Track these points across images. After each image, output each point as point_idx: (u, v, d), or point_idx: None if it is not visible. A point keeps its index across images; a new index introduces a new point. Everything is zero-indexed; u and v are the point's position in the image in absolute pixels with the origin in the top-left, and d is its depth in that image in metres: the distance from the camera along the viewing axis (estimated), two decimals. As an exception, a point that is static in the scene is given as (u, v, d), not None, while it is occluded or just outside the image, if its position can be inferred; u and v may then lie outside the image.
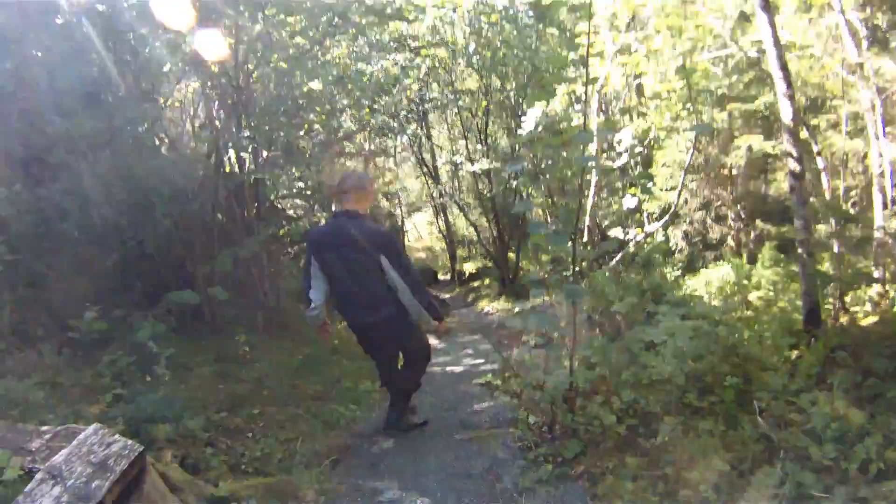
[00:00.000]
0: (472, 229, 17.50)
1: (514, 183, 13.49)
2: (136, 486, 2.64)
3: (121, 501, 2.53)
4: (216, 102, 7.06)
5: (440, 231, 21.25)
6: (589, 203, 8.25)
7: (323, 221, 8.01)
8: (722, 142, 9.30)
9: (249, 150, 7.39)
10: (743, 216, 9.42)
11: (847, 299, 5.55)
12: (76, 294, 4.95)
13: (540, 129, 7.26)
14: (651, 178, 8.86)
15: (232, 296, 6.06)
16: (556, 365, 4.31)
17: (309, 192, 8.88)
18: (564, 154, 7.30)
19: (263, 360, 5.70)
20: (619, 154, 7.91)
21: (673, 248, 9.78)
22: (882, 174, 5.95)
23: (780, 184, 8.77)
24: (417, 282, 3.98)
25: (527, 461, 3.59)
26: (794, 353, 4.32)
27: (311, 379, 5.62)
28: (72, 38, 5.32)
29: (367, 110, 10.99)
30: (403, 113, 14.06)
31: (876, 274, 5.35)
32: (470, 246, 21.98)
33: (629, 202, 7.65)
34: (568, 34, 11.59)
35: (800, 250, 4.70)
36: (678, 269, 8.58)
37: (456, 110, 14.81)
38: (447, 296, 16.86)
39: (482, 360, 6.86)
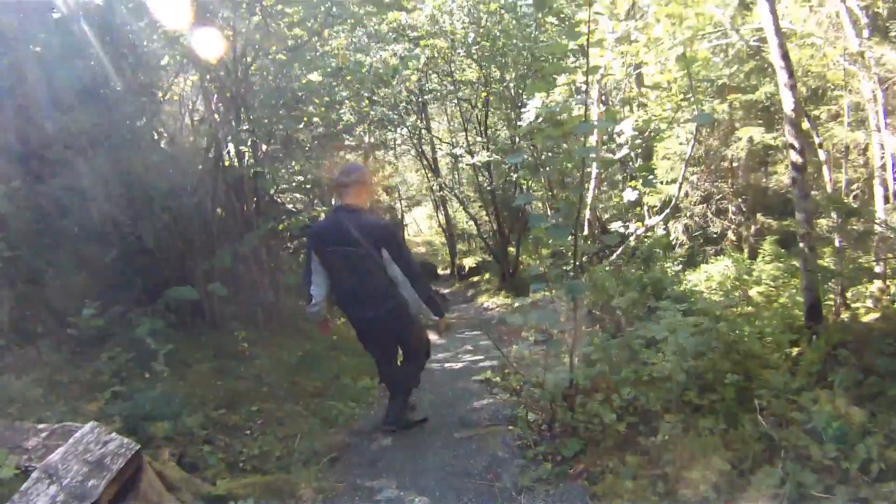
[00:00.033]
0: (471, 223, 17.47)
1: (515, 175, 13.45)
2: (132, 484, 2.63)
3: (117, 500, 2.52)
4: (215, 96, 7.00)
5: (440, 225, 21.24)
6: (589, 196, 8.22)
7: (323, 216, 8.00)
8: (722, 133, 9.26)
9: (248, 143, 7.36)
10: (744, 209, 9.38)
11: (848, 295, 5.53)
12: (75, 290, 4.92)
13: (540, 120, 7.22)
14: (652, 170, 8.83)
15: (231, 291, 6.03)
16: (556, 362, 4.29)
17: (308, 186, 8.84)
18: (565, 146, 7.27)
19: (262, 356, 5.68)
20: (620, 146, 7.88)
21: (673, 243, 9.75)
22: (883, 167, 5.90)
23: (781, 176, 8.74)
24: (419, 275, 3.96)
25: (526, 460, 3.57)
26: (795, 350, 4.30)
27: (310, 375, 5.60)
28: (69, 34, 5.27)
29: (367, 102, 10.94)
30: (403, 104, 14.01)
31: (877, 269, 5.31)
32: (470, 240, 21.98)
33: (630, 195, 7.62)
34: (567, 24, 11.53)
35: (801, 245, 4.66)
36: (678, 264, 8.55)
37: (455, 101, 14.74)
38: (447, 291, 16.85)
39: (481, 357, 6.84)
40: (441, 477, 3.49)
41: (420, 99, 14.85)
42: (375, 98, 11.72)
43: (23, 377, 3.96)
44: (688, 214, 9.83)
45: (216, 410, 4.28)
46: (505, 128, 14.58)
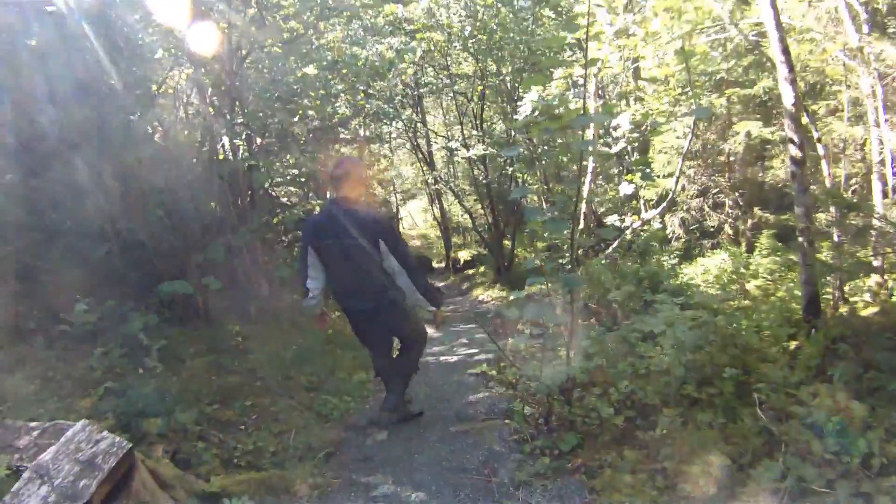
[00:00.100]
0: (467, 216, 17.40)
1: (510, 169, 13.41)
2: (124, 483, 2.59)
3: (109, 500, 2.48)
4: (209, 89, 6.95)
5: (435, 218, 21.15)
6: (585, 190, 8.19)
7: (317, 209, 7.95)
8: (720, 127, 9.24)
9: (243, 136, 7.31)
10: (741, 203, 9.37)
11: (846, 289, 5.51)
12: (68, 286, 4.87)
13: (536, 113, 7.18)
14: (648, 164, 8.81)
15: (225, 286, 5.99)
16: (553, 355, 4.27)
17: (303, 180, 8.80)
18: (560, 140, 7.24)
19: (257, 350, 5.63)
20: (616, 140, 7.85)
21: (670, 236, 9.74)
22: (882, 162, 5.88)
23: (777, 171, 8.72)
24: (415, 267, 3.95)
25: (523, 454, 3.55)
26: (793, 344, 4.28)
27: (304, 369, 5.56)
28: (63, 27, 5.21)
29: (362, 95, 10.89)
30: (398, 98, 13.95)
31: (875, 263, 5.29)
32: (465, 233, 21.93)
33: (626, 189, 7.60)
34: (564, 17, 11.49)
35: (800, 239, 4.64)
36: (675, 258, 8.54)
37: (451, 95, 14.68)
38: (442, 284, 16.83)
39: (477, 350, 6.80)
40: (437, 472, 3.47)
41: (416, 92, 14.77)
42: (371, 91, 11.65)
43: (15, 374, 3.92)
44: (684, 208, 9.81)
45: (210, 406, 4.24)
46: (501, 121, 14.53)
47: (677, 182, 7.58)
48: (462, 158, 14.52)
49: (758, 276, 7.03)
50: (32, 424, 3.00)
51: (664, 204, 7.71)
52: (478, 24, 12.11)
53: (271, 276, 7.49)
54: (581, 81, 6.77)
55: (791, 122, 4.64)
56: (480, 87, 13.58)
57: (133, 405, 3.70)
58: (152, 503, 2.67)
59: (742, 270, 7.30)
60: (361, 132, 13.26)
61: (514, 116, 9.91)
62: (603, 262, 7.51)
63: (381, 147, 16.33)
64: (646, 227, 8.61)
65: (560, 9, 12.28)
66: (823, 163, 6.37)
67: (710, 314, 4.52)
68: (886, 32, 6.13)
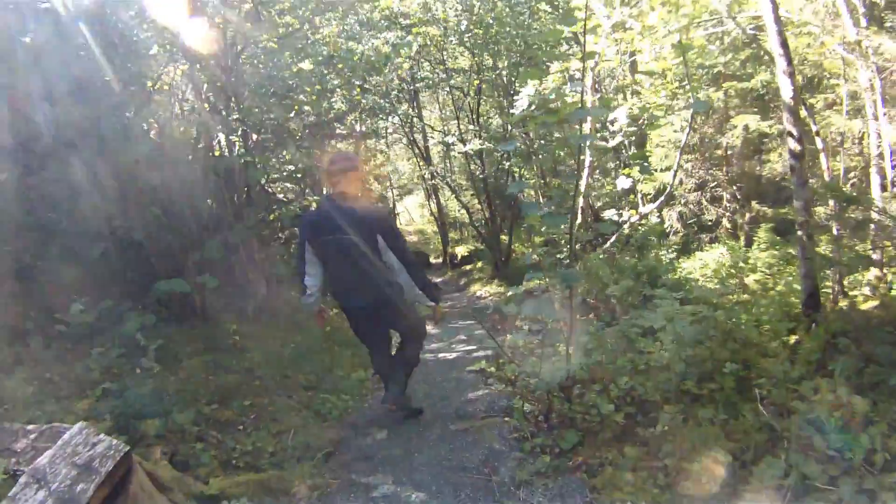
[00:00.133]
0: (463, 211, 17.38)
1: (507, 164, 13.38)
2: (122, 487, 2.56)
3: (107, 504, 2.46)
4: (205, 85, 6.90)
5: (432, 214, 21.13)
6: (583, 184, 8.16)
7: (314, 205, 7.91)
8: (717, 121, 9.22)
9: (239, 133, 7.26)
10: (738, 197, 9.35)
11: (844, 283, 5.50)
12: (65, 285, 4.84)
13: (533, 107, 7.13)
14: (646, 158, 8.77)
15: (222, 283, 5.95)
16: (552, 351, 4.25)
17: (299, 176, 8.75)
18: (557, 135, 7.19)
19: (254, 349, 5.60)
20: (613, 134, 7.81)
21: (668, 230, 9.72)
22: (881, 155, 5.85)
23: (774, 164, 8.70)
24: (414, 262, 3.93)
25: (523, 452, 3.53)
26: (793, 339, 4.26)
27: (302, 368, 5.53)
28: (58, 24, 5.17)
29: (358, 90, 10.84)
30: (395, 93, 13.91)
31: (874, 257, 5.28)
32: (462, 228, 21.92)
33: (623, 183, 7.56)
34: (561, 11, 11.43)
35: (799, 232, 4.62)
36: (673, 252, 8.52)
37: (447, 89, 14.65)
38: (439, 280, 16.81)
39: (475, 347, 6.79)
40: (437, 471, 3.44)
41: (412, 87, 14.74)
42: (367, 86, 11.61)
43: (12, 375, 3.89)
44: (682, 202, 9.79)
45: (208, 406, 4.21)
46: (497, 116, 14.50)
47: (675, 176, 7.55)
48: (458, 153, 14.49)
49: (756, 270, 7.02)
50: (30, 427, 2.97)
51: (662, 198, 7.68)
52: (474, 18, 12.07)
53: (268, 273, 7.46)
54: (577, 75, 6.71)
55: (790, 115, 4.61)
56: (477, 82, 13.56)
57: (131, 406, 3.67)
58: (150, 506, 2.64)
59: (741, 264, 7.28)
60: (358, 127, 13.22)
61: (511, 111, 9.85)
62: (601, 256, 7.48)
63: (378, 142, 16.31)
64: (644, 222, 8.59)
65: (556, 2, 12.24)
66: (822, 156, 6.34)
67: (710, 309, 4.51)
68: (884, 26, 6.10)
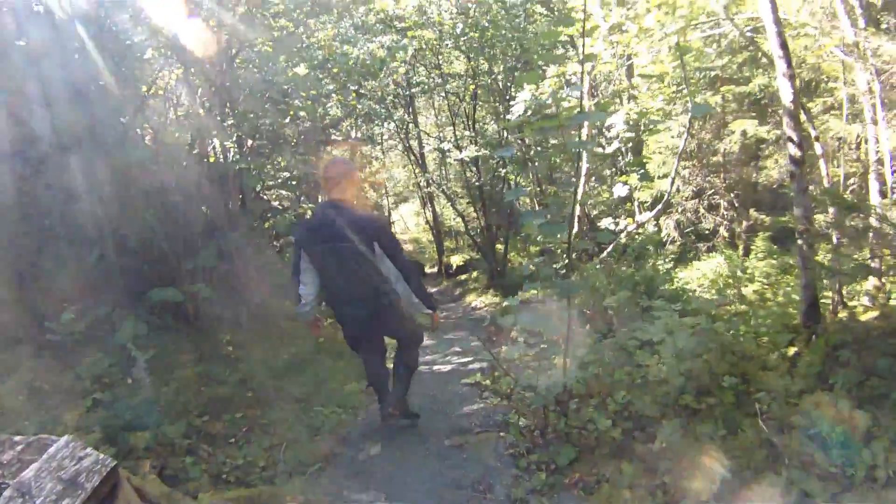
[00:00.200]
0: (459, 220, 17.30)
1: (503, 171, 13.33)
2: (109, 502, 2.50)
3: (92, 521, 2.39)
4: (199, 89, 6.84)
5: (427, 222, 21.03)
6: (580, 191, 8.11)
7: (309, 213, 7.85)
8: (715, 126, 9.16)
9: (233, 138, 7.20)
10: (736, 205, 9.30)
11: (843, 292, 5.44)
12: (57, 293, 4.78)
13: (529, 113, 7.08)
14: (644, 165, 8.73)
15: (216, 292, 5.88)
16: (548, 364, 4.20)
17: (295, 183, 8.69)
18: (555, 140, 7.14)
19: (247, 359, 5.52)
20: (610, 140, 7.76)
21: (665, 239, 9.65)
22: (880, 161, 5.79)
23: (771, 171, 8.63)
24: (410, 269, 3.89)
25: (519, 469, 3.47)
26: (792, 350, 4.20)
27: (295, 380, 5.46)
28: (52, 27, 5.11)
29: (354, 95, 10.80)
30: (390, 98, 13.87)
31: (873, 265, 5.22)
32: (457, 237, 21.84)
33: (620, 190, 7.50)
34: (557, 14, 11.42)
35: (800, 241, 4.55)
36: (670, 261, 8.46)
37: (443, 95, 14.61)
38: (435, 289, 16.71)
39: (470, 358, 6.72)
40: (431, 488, 3.38)
41: (407, 92, 14.70)
42: (362, 91, 11.57)
43: (2, 384, 3.82)
44: (679, 210, 9.73)
45: (199, 418, 4.16)
46: (493, 122, 14.45)
47: (673, 183, 7.49)
48: (454, 160, 14.44)
49: (754, 279, 6.96)
50: (17, 438, 2.90)
51: (660, 206, 7.62)
52: (469, 21, 12.02)
53: (262, 281, 7.39)
54: (574, 79, 6.65)
55: (790, 119, 4.54)
56: (472, 87, 13.52)
57: (120, 418, 3.63)
58: (136, 524, 2.58)
59: (738, 274, 7.22)
60: (353, 133, 13.18)
61: (507, 116, 9.81)
62: (598, 266, 7.42)
63: (373, 149, 16.26)
64: (641, 230, 8.52)
65: (552, 5, 12.22)
66: (821, 162, 6.28)
67: (708, 320, 4.45)
68: (881, 28, 6.06)
